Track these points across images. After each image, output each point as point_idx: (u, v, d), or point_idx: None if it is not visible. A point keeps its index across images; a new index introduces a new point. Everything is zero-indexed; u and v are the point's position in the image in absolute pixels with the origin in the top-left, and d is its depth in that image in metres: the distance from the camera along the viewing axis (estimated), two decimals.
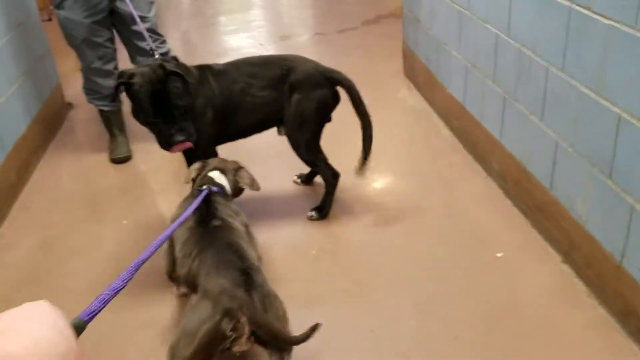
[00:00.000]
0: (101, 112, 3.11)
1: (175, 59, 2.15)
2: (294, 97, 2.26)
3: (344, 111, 2.37)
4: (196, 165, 1.99)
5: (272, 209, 2.55)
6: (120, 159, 3.05)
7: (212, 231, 1.69)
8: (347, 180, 2.50)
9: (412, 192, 2.62)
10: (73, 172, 3.05)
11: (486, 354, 1.76)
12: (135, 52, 2.96)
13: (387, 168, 2.85)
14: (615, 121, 1.67)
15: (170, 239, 1.77)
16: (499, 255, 2.16)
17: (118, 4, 2.79)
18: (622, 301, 1.75)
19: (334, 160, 2.43)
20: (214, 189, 1.84)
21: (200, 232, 1.70)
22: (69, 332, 0.42)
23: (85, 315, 0.55)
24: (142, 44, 2.88)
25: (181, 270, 1.69)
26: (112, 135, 3.13)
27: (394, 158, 2.95)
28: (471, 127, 2.75)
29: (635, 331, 1.72)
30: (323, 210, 2.44)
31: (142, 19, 2.71)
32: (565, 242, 2.04)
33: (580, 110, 1.85)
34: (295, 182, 2.72)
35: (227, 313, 1.38)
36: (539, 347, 1.76)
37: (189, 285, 1.66)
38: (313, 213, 2.43)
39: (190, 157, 2.26)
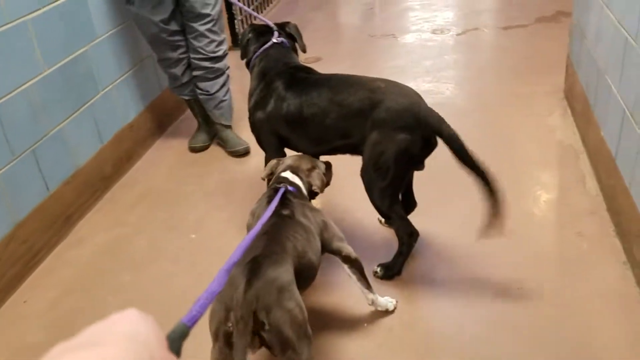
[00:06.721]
0: (186, 100, 3.09)
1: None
2: (372, 136, 1.85)
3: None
4: (272, 163, 1.95)
5: None
6: (195, 148, 3.09)
7: (275, 220, 1.61)
8: (429, 236, 2.03)
9: (517, 265, 2.03)
10: (173, 166, 3.00)
11: None
12: (190, 52, 2.86)
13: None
14: None
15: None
16: None
17: None
18: None
19: (433, 211, 1.97)
20: (290, 188, 1.79)
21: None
22: (154, 342, 0.40)
23: (187, 320, 0.55)
24: (198, 44, 2.81)
25: None
26: (198, 124, 3.17)
27: (512, 208, 2.34)
28: (618, 190, 2.05)
29: None
30: (391, 271, 2.01)
31: (204, 16, 2.73)
32: None
33: None
34: (379, 222, 2.31)
35: (227, 308, 1.37)
36: None
37: None
38: (378, 269, 2.02)
39: None
